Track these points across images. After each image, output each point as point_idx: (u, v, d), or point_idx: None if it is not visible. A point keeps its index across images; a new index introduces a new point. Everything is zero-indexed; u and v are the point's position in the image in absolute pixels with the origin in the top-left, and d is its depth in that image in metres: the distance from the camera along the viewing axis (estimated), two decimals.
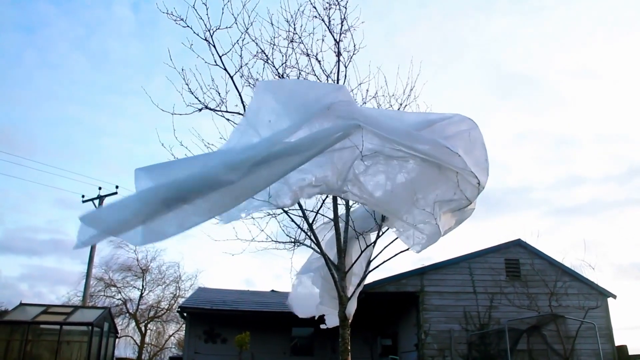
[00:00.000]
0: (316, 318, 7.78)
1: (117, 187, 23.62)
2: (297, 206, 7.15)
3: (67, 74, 51.83)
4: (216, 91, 6.71)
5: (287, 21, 7.15)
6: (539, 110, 49.82)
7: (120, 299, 30.15)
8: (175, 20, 6.26)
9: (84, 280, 23.17)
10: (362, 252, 6.97)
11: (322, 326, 7.79)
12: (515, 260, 17.00)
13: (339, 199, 7.23)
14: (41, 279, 48.48)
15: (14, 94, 49.85)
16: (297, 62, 7.25)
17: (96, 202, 23.49)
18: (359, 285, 7.13)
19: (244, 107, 6.68)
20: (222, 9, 6.25)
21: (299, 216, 7.22)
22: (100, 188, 23.67)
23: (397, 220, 3.77)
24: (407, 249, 6.37)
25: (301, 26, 7.21)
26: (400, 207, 3.67)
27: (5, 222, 50.04)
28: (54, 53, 51.19)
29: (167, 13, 6.25)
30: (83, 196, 23.83)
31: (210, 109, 6.67)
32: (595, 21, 47.66)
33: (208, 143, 6.88)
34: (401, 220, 3.80)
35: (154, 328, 32.50)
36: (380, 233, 6.94)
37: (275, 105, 3.17)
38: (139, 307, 30.21)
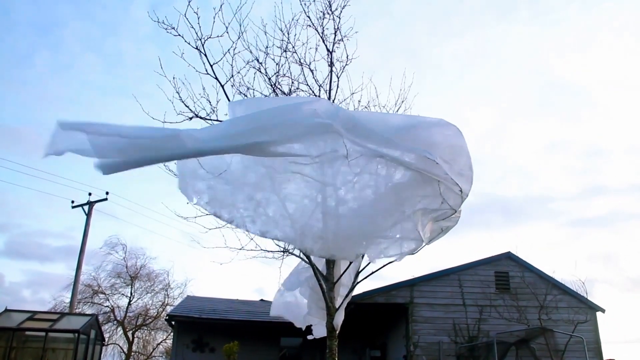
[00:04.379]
0: (303, 329, 7.73)
1: (107, 193, 23.51)
2: None
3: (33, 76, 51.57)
4: (207, 100, 6.69)
5: (281, 30, 7.17)
6: (574, 119, 49.29)
7: (108, 306, 29.85)
8: (166, 29, 6.24)
9: (72, 287, 22.94)
10: (351, 262, 6.94)
11: (309, 337, 7.74)
12: (505, 273, 17.03)
13: None
14: (29, 285, 47.86)
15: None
16: (289, 71, 7.26)
17: (85, 208, 23.31)
18: (347, 296, 7.10)
19: None
20: (214, 18, 6.25)
21: None
22: (90, 194, 23.52)
23: (373, 240, 3.73)
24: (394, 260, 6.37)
25: (295, 35, 7.22)
26: (385, 220, 3.64)
27: None
28: (65, 53, 50.98)
29: (157, 22, 6.24)
30: (73, 202, 23.66)
31: (201, 118, 6.65)
32: None
33: None
34: (381, 237, 3.76)
35: (142, 336, 32.18)
36: None
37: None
38: (127, 314, 29.91)
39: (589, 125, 50.75)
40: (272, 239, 6.20)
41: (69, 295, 23.37)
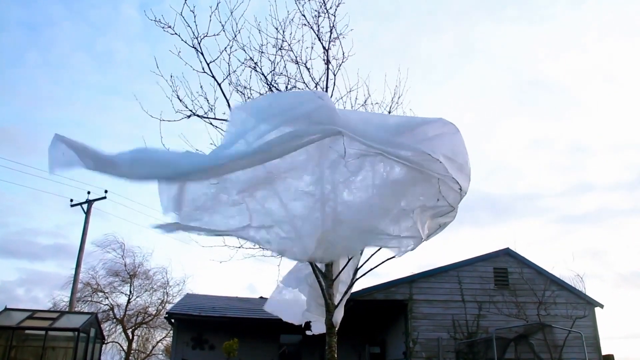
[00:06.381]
0: (302, 326, 7.74)
1: (106, 191, 23.49)
2: None
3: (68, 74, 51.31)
4: (205, 98, 6.71)
5: (276, 29, 7.17)
6: (557, 116, 49.27)
7: (107, 304, 29.89)
8: (163, 28, 6.25)
9: (70, 285, 22.98)
10: (349, 259, 6.95)
11: (308, 332, 7.74)
12: (504, 269, 17.06)
13: None
14: (21, 283, 47.86)
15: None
16: (285, 70, 7.26)
17: (84, 206, 23.32)
18: (346, 292, 7.11)
19: None
20: (210, 17, 6.26)
21: None
22: (89, 192, 23.53)
23: (372, 237, 3.74)
24: (393, 256, 6.40)
25: (290, 34, 7.22)
26: (384, 216, 3.66)
27: None
28: (56, 53, 50.80)
29: (155, 20, 6.25)
30: (72, 200, 23.66)
31: (199, 116, 6.67)
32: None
33: (197, 149, 6.87)
34: (382, 233, 3.78)
35: (141, 334, 32.25)
36: None
37: (251, 119, 3.10)
38: (126, 312, 29.95)
39: (573, 123, 50.82)
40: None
41: (68, 293, 23.44)
